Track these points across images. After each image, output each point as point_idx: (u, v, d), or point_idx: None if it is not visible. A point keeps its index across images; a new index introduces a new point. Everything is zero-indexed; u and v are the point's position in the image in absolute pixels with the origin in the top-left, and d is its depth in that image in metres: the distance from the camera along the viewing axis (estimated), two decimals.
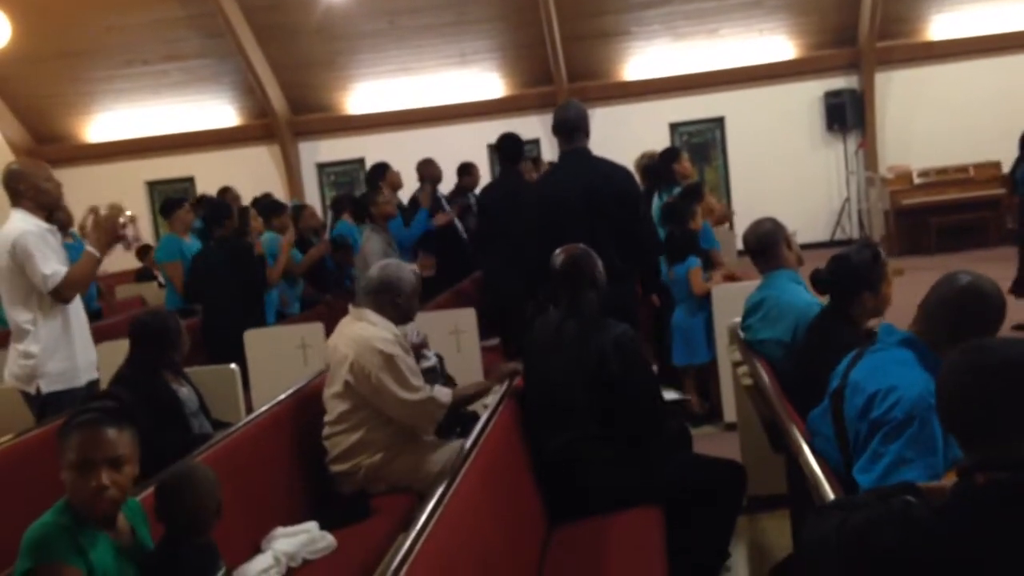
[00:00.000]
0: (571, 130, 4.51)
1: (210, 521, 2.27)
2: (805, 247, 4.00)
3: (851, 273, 3.16)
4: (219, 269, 5.97)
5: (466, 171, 8.00)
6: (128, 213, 4.01)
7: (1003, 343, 1.67)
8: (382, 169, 7.65)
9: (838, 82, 13.11)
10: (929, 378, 2.25)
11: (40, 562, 2.01)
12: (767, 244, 3.82)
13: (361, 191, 9.45)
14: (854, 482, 2.32)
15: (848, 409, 2.44)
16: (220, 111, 14.12)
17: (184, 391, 3.80)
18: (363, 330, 3.58)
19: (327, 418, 3.68)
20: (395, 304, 3.68)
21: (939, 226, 11.90)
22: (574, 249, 3.59)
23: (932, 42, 12.81)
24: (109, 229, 3.94)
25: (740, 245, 9.39)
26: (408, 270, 3.79)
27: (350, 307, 3.80)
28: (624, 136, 11.62)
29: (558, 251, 3.61)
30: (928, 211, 11.98)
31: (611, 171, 4.51)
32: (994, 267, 8.00)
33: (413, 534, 2.12)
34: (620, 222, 4.37)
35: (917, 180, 12.23)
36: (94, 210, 4.04)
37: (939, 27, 12.80)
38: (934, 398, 2.24)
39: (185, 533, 2.23)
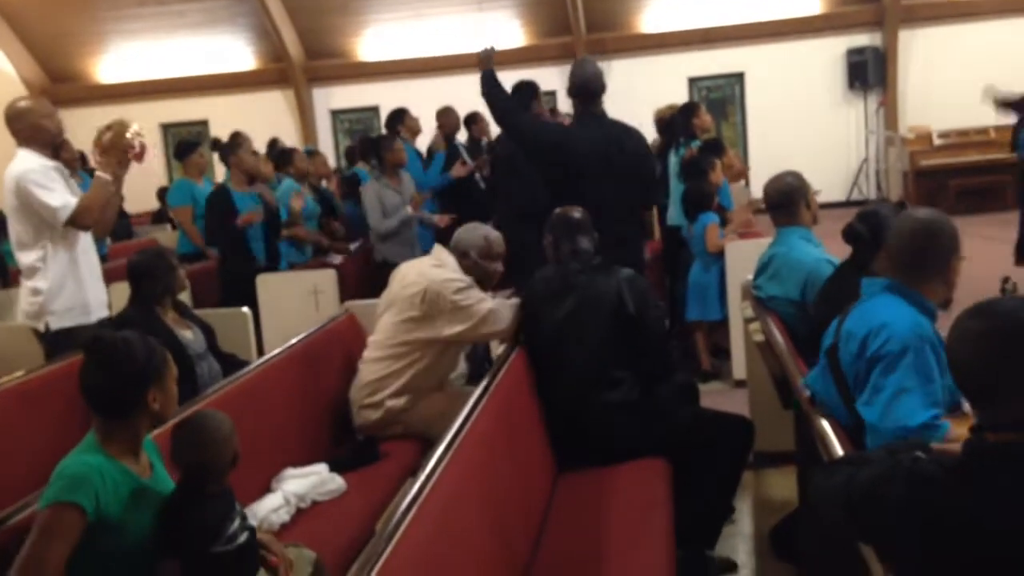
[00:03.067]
0: (589, 94, 4.51)
1: (225, 470, 2.28)
2: (821, 207, 3.96)
3: (879, 226, 3.14)
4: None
5: (472, 120, 7.95)
6: (135, 127, 3.91)
7: (1013, 305, 1.66)
8: (401, 114, 7.60)
9: (861, 39, 12.89)
10: (916, 312, 2.39)
11: (61, 499, 2.04)
12: (787, 199, 3.79)
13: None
14: (862, 435, 2.34)
15: (843, 356, 2.48)
16: (236, 53, 14.02)
17: (188, 334, 3.79)
18: (438, 269, 3.70)
19: (373, 339, 3.78)
20: (463, 263, 3.76)
21: (958, 188, 11.78)
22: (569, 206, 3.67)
23: (958, 0, 12.58)
24: (116, 149, 3.83)
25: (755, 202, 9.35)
26: (480, 234, 3.82)
27: (436, 246, 3.91)
28: (642, 89, 11.50)
29: (558, 210, 3.68)
30: (947, 173, 11.85)
31: (627, 136, 4.54)
32: (1011, 230, 7.95)
33: (422, 477, 2.14)
34: (634, 186, 4.43)
35: (937, 141, 12.08)
36: (99, 133, 3.92)
37: None
38: (923, 329, 2.33)
39: (200, 481, 2.25)
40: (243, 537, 2.26)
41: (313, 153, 8.77)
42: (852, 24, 12.87)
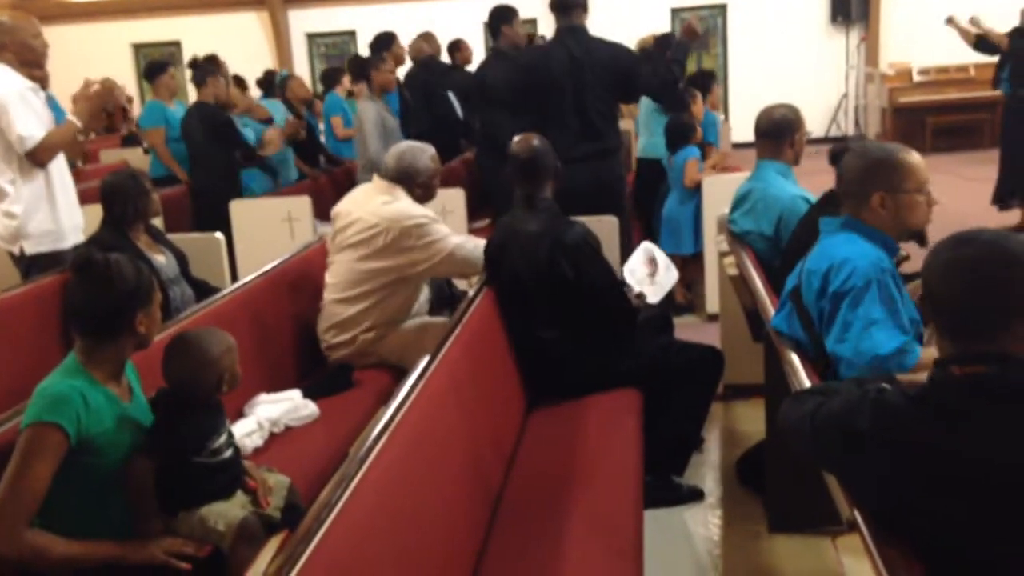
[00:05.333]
0: (568, 5, 4.40)
1: (209, 388, 2.29)
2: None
3: None
4: (195, 136, 5.94)
5: (456, 47, 7.80)
6: (125, 95, 3.86)
7: (992, 237, 1.65)
8: (390, 39, 7.40)
9: None
10: (876, 247, 2.42)
11: (43, 419, 2.04)
12: (778, 131, 3.73)
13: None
14: (829, 372, 2.38)
15: (807, 295, 2.50)
16: None
17: (161, 258, 3.76)
18: (393, 205, 3.61)
19: (331, 281, 3.71)
20: (413, 191, 3.70)
21: (935, 125, 11.79)
22: (532, 141, 3.50)
23: None
24: (95, 102, 3.80)
25: (734, 137, 9.32)
26: (427, 156, 3.76)
27: (375, 178, 3.78)
28: (624, 19, 11.34)
29: (517, 139, 3.54)
30: (926, 110, 11.84)
31: (602, 46, 4.48)
32: (987, 169, 7.98)
33: (394, 405, 2.15)
34: (618, 87, 4.38)
35: (917, 78, 12.05)
36: (88, 83, 3.88)
37: None
38: (883, 262, 2.35)
39: (182, 396, 2.27)
40: (226, 454, 2.29)
41: (288, 77, 8.61)
42: None
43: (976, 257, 1.61)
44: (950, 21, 7.63)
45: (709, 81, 6.33)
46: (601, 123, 4.45)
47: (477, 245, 3.64)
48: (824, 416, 1.78)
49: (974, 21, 7.62)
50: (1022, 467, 1.49)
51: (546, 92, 4.37)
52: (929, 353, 2.13)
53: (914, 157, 2.49)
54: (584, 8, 4.49)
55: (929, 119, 11.80)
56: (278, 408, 3.14)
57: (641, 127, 6.48)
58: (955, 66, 11.90)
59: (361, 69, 6.73)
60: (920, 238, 2.53)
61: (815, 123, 12.55)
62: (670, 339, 3.71)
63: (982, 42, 7.43)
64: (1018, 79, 6.92)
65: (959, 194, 8.74)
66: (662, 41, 6.71)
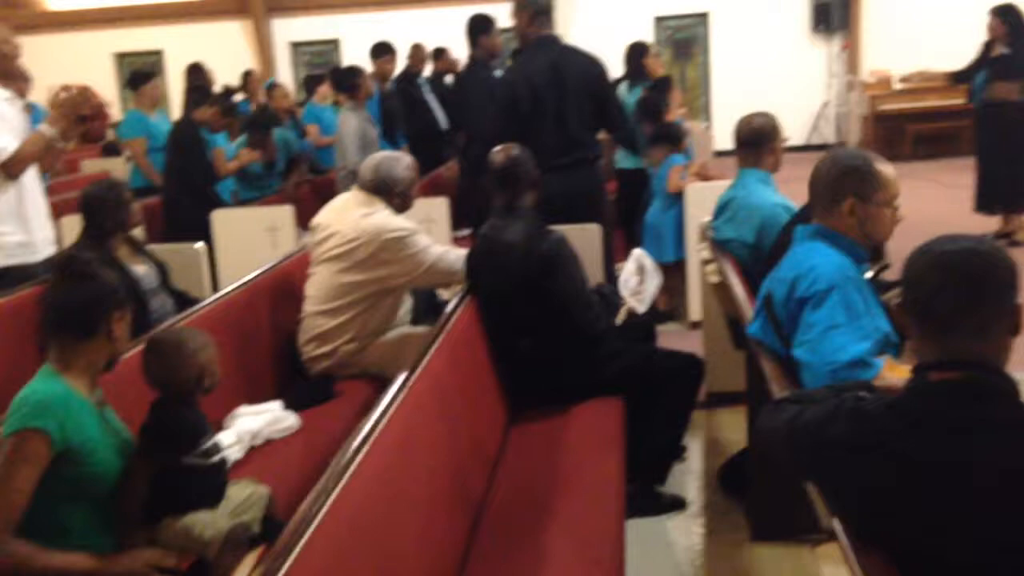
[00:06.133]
0: (545, 14, 4.49)
1: (190, 384, 2.29)
2: (784, 150, 3.98)
3: None
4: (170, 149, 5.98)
5: (439, 55, 7.81)
6: (100, 101, 3.79)
7: (973, 242, 1.65)
8: (385, 49, 7.38)
9: None
10: (843, 255, 2.43)
11: (27, 425, 2.03)
12: (757, 139, 3.77)
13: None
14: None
15: (776, 303, 2.51)
16: None
17: (141, 269, 3.73)
18: (372, 217, 3.59)
19: (311, 293, 3.69)
20: (392, 202, 3.70)
21: (916, 133, 11.87)
22: (511, 151, 3.51)
23: None
24: (68, 110, 3.71)
25: (718, 145, 9.36)
26: (403, 166, 3.75)
27: (354, 189, 3.78)
28: (609, 27, 11.38)
29: (497, 149, 3.54)
30: (906, 117, 11.93)
31: (577, 56, 4.53)
32: (966, 176, 8.03)
33: (375, 416, 2.14)
34: (592, 104, 4.43)
35: (897, 86, 12.13)
36: (58, 91, 3.80)
37: None
38: (849, 270, 2.37)
39: (169, 395, 2.29)
40: (216, 458, 2.30)
41: (273, 86, 8.60)
42: None
43: (956, 260, 1.61)
44: (907, 80, 7.69)
45: (661, 99, 6.22)
46: (580, 133, 4.47)
47: (459, 255, 3.64)
48: (801, 425, 1.78)
49: (925, 76, 7.74)
50: (999, 472, 1.50)
51: (529, 102, 4.39)
52: (898, 372, 2.13)
53: (888, 170, 2.50)
54: (550, 16, 4.57)
55: (909, 127, 11.88)
56: (259, 420, 3.12)
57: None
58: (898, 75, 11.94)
59: (342, 80, 6.71)
60: (878, 252, 2.55)
61: (797, 131, 12.63)
62: (652, 347, 3.71)
63: (957, 77, 7.45)
64: (988, 89, 6.98)
65: (939, 200, 8.81)
66: (634, 50, 6.70)
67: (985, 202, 7.14)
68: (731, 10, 12.99)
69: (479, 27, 5.74)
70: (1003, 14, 6.81)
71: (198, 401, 2.34)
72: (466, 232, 6.26)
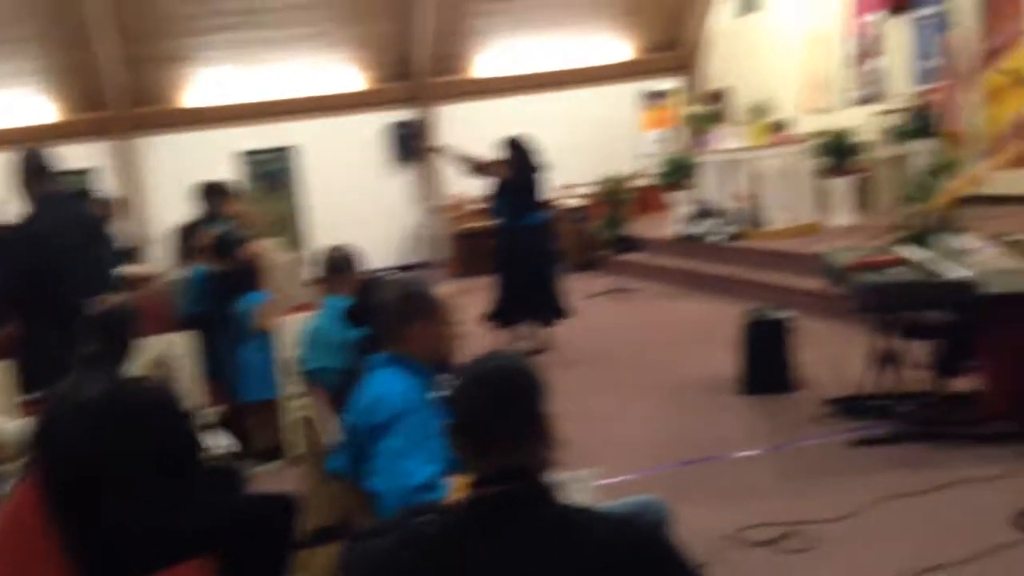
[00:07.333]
0: (32, 175, 4.49)
1: None
2: (379, 271, 4.21)
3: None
4: None
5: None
6: None
7: (503, 358, 1.76)
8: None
9: (404, 113, 13.79)
10: (410, 380, 2.53)
11: None
12: (336, 268, 4.04)
13: None
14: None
15: (352, 434, 2.55)
16: None
17: None
18: None
19: None
20: None
21: (489, 248, 12.88)
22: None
23: (477, 79, 14.04)
24: None
25: (305, 273, 9.41)
26: None
27: None
28: (190, 164, 11.13)
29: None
30: (481, 235, 12.92)
31: (81, 208, 4.79)
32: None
33: None
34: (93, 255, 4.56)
35: (469, 206, 13.15)
36: None
37: (481, 66, 14.11)
38: (415, 393, 2.47)
39: None
40: None
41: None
42: (392, 100, 13.71)
43: (490, 377, 1.70)
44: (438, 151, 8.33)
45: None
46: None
47: (19, 425, 3.25)
48: (359, 555, 1.76)
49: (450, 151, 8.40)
50: (528, 565, 1.56)
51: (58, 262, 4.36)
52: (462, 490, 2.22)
53: (442, 292, 2.69)
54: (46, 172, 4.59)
55: (482, 243, 12.86)
56: None
57: None
58: (471, 198, 12.58)
59: None
60: (445, 369, 2.69)
61: (391, 253, 13.14)
62: (236, 496, 3.54)
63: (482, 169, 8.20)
64: (514, 209, 7.78)
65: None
66: (211, 191, 6.56)
67: (506, 318, 7.69)
68: (313, 146, 13.38)
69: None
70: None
71: None
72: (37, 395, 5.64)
